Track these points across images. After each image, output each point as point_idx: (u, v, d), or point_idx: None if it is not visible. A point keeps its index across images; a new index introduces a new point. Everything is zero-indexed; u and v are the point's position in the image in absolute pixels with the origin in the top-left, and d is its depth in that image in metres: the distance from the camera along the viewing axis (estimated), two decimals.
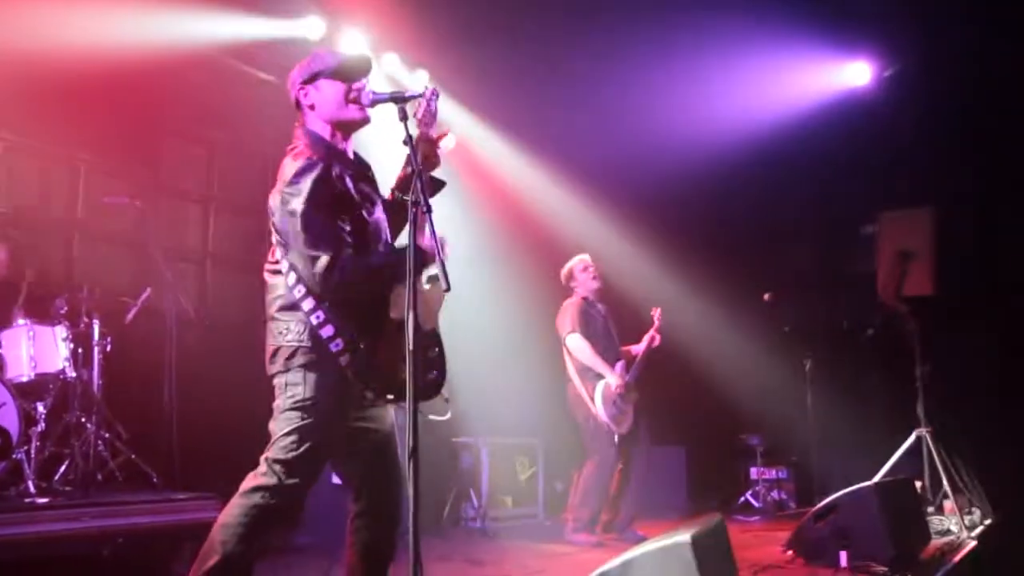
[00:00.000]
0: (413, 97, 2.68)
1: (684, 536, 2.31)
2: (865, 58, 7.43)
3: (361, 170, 2.88)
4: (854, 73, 7.51)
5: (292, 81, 2.84)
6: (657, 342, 5.70)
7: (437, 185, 2.91)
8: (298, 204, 2.59)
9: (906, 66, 7.18)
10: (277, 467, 2.62)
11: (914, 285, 6.01)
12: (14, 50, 5.33)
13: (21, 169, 6.03)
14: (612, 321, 5.77)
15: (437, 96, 2.83)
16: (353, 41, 6.92)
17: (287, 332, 2.69)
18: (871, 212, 6.82)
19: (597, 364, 5.40)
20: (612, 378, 5.37)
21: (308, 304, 2.64)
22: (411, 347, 2.39)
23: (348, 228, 2.67)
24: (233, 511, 2.62)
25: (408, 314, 2.40)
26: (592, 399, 5.38)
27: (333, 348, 2.61)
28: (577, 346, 5.44)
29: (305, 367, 2.65)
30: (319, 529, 5.45)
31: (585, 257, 5.81)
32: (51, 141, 5.94)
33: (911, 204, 6.42)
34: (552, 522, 6.88)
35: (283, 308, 2.71)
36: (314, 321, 2.63)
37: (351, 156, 2.86)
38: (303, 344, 2.66)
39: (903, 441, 5.88)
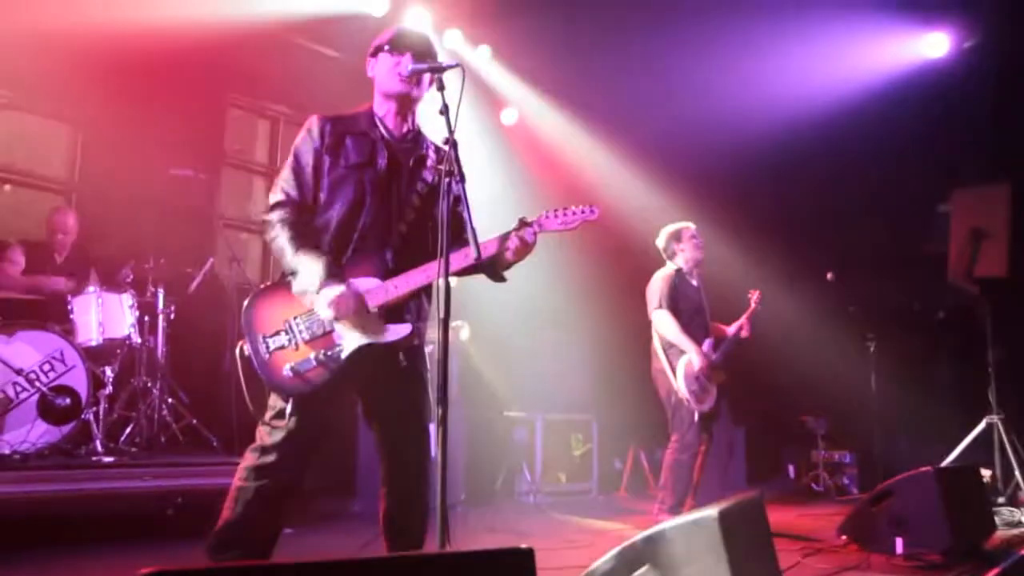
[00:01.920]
0: (450, 67, 2.67)
1: (712, 511, 2.27)
2: (944, 29, 7.07)
3: (403, 146, 2.88)
4: (932, 44, 7.16)
5: (367, 57, 2.96)
6: (746, 332, 5.48)
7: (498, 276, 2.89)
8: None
9: (985, 38, 6.81)
10: (263, 428, 2.73)
11: (987, 265, 5.74)
12: (89, 31, 5.53)
13: (94, 143, 6.28)
14: (706, 296, 5.50)
15: (595, 217, 2.84)
16: (416, 18, 6.94)
17: None
18: (945, 189, 6.52)
19: (682, 340, 5.19)
20: (695, 356, 5.15)
21: None
22: (443, 315, 2.42)
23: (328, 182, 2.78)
24: (237, 473, 2.73)
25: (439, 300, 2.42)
26: (675, 374, 5.24)
27: None
28: (663, 322, 5.24)
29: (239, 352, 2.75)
30: (373, 498, 5.55)
31: (691, 225, 5.48)
32: (123, 117, 6.15)
33: (987, 181, 6.10)
34: (606, 498, 6.88)
35: None
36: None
37: (399, 129, 2.88)
38: None
39: (973, 428, 5.66)
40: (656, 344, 5.35)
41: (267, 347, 2.67)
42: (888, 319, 7.41)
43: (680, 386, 5.15)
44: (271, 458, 2.68)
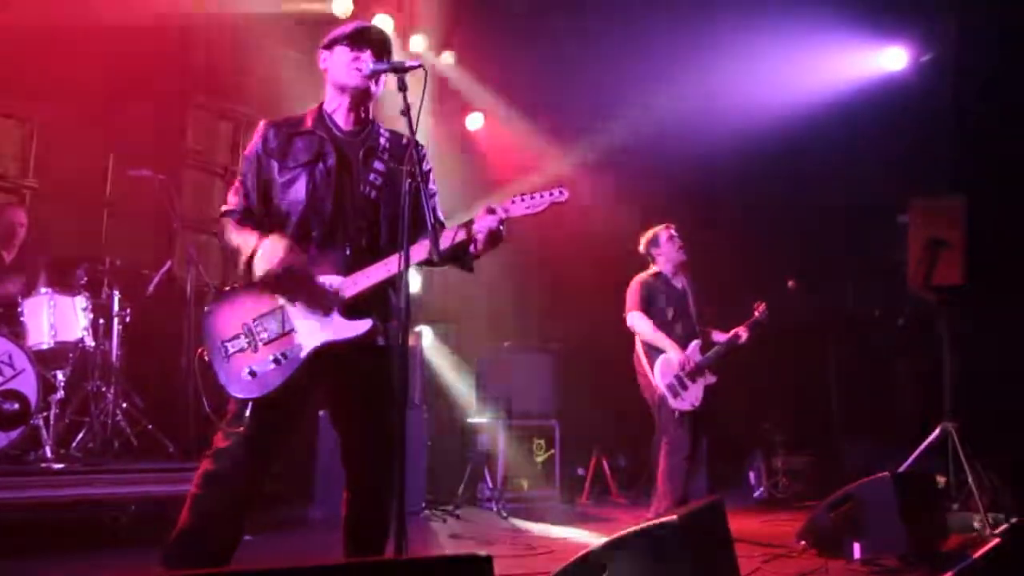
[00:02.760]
0: (412, 67, 2.63)
1: (673, 517, 2.26)
2: (902, 43, 7.22)
3: (352, 140, 2.84)
4: (891, 58, 7.30)
5: (319, 49, 2.91)
6: (744, 339, 5.40)
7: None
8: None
9: (943, 52, 6.96)
10: (220, 433, 2.68)
11: (945, 274, 5.83)
12: (47, 26, 5.41)
13: (53, 144, 6.13)
14: (694, 297, 5.44)
15: (564, 199, 2.73)
16: (379, 22, 6.91)
17: None
18: (905, 199, 6.64)
19: (658, 339, 5.18)
20: (672, 351, 5.14)
21: None
22: (403, 306, 2.40)
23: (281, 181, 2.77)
24: (193, 480, 2.67)
25: (402, 285, 2.40)
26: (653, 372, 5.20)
27: None
28: (636, 323, 5.24)
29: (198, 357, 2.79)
30: (333, 503, 5.48)
31: (669, 227, 5.45)
32: (80, 115, 6.03)
33: (944, 192, 6.23)
34: (568, 506, 6.86)
35: None
36: None
37: (349, 123, 2.85)
38: None
39: (930, 434, 5.74)
40: (638, 348, 5.32)
41: (226, 351, 2.63)
42: (849, 326, 7.52)
43: (658, 379, 5.13)
44: (228, 464, 2.61)
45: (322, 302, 2.65)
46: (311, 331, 2.64)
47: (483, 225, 2.66)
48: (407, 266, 2.43)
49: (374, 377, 2.74)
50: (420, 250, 2.59)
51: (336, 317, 2.65)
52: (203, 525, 2.60)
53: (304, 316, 2.65)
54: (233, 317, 2.67)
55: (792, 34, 6.78)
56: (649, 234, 5.49)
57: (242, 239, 2.69)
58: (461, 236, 2.68)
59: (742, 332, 5.41)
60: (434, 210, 2.79)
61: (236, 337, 2.65)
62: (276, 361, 2.61)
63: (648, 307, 5.29)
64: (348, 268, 2.69)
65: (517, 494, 6.64)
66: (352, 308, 2.67)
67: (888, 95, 7.12)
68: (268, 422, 2.64)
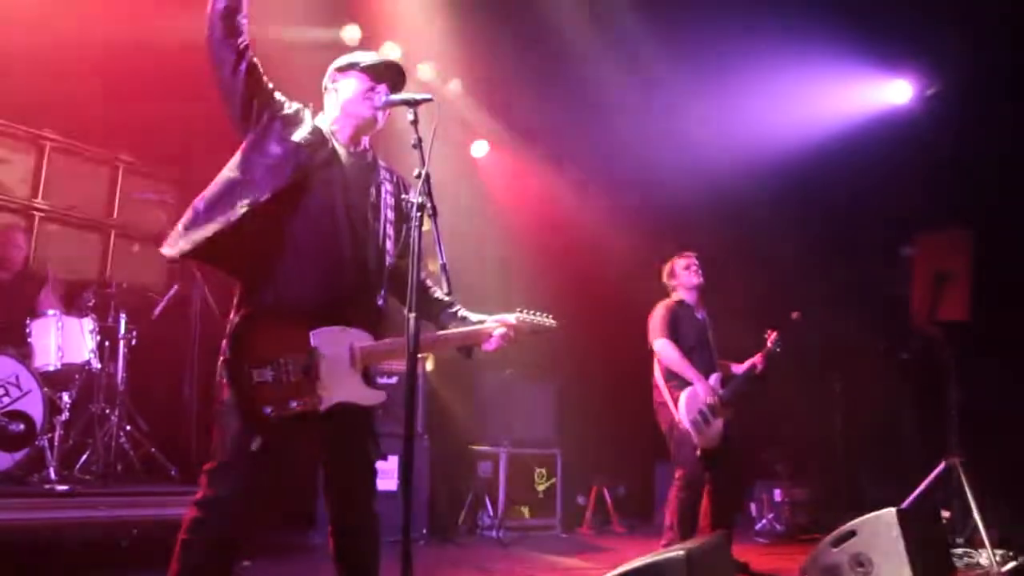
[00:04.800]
0: (424, 100, 2.67)
1: (679, 552, 2.26)
2: (907, 76, 7.27)
3: (357, 161, 2.80)
4: (895, 91, 7.35)
5: (330, 68, 2.90)
6: (759, 369, 5.37)
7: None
8: None
9: (948, 86, 7.00)
10: (207, 477, 2.58)
11: (949, 309, 5.82)
12: (58, 48, 5.48)
13: (62, 168, 6.20)
14: (713, 331, 5.39)
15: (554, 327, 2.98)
16: (388, 51, 6.99)
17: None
18: (909, 232, 6.65)
19: (685, 370, 5.07)
20: (700, 386, 5.03)
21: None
22: (411, 348, 2.41)
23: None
24: (184, 525, 2.58)
25: (409, 314, 2.42)
26: (676, 405, 5.07)
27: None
28: (665, 351, 5.12)
29: (224, 363, 2.60)
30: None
31: (685, 254, 5.45)
32: (91, 140, 6.10)
33: (949, 226, 6.23)
34: (569, 535, 6.82)
35: None
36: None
37: (352, 146, 2.81)
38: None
39: (934, 469, 5.71)
40: (657, 375, 5.21)
41: (251, 378, 2.54)
42: (852, 359, 7.50)
43: (683, 415, 5.00)
44: (219, 510, 2.52)
45: (352, 362, 2.64)
46: (334, 386, 2.59)
47: (498, 339, 2.81)
48: (415, 297, 2.45)
49: (363, 422, 2.74)
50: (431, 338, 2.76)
51: (358, 379, 2.65)
52: (196, 570, 2.53)
53: (331, 369, 2.60)
54: (268, 342, 2.57)
55: (797, 67, 6.82)
56: (667, 266, 5.48)
57: None
58: (475, 340, 2.82)
59: (758, 362, 5.38)
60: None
61: (264, 366, 2.55)
62: (297, 407, 2.55)
63: (675, 335, 5.19)
64: (378, 322, 2.71)
65: (518, 522, 6.61)
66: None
67: (893, 128, 7.15)
68: (266, 467, 2.56)
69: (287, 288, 2.61)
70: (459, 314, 2.88)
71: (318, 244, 2.65)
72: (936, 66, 7.06)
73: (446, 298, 2.88)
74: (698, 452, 4.98)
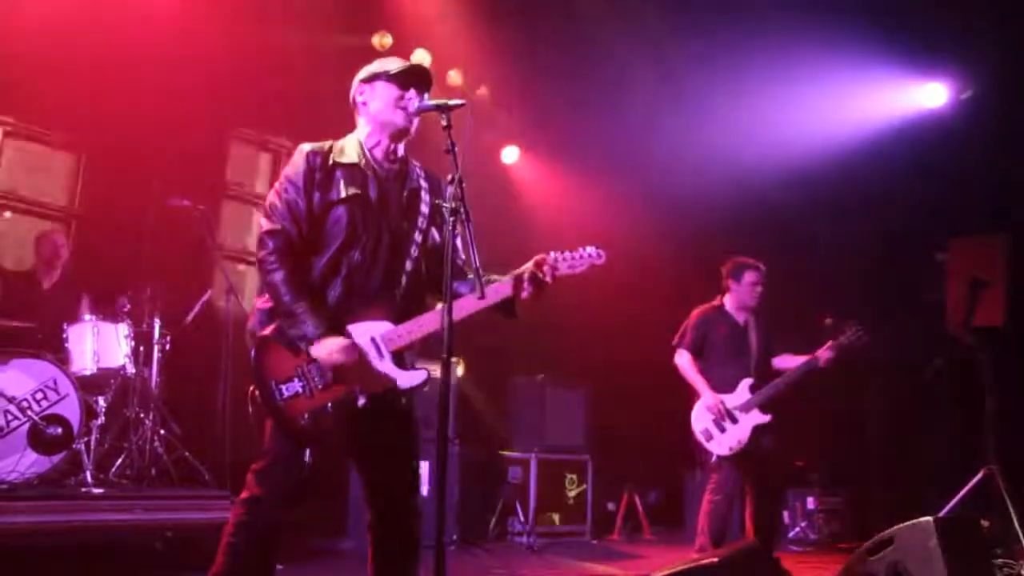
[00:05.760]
0: (457, 105, 2.66)
1: (713, 559, 2.23)
2: (942, 79, 7.17)
3: (391, 176, 2.82)
4: (930, 94, 7.25)
5: (354, 81, 2.89)
6: (824, 361, 5.04)
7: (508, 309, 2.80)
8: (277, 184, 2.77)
9: (983, 89, 6.90)
10: (254, 477, 2.65)
11: (985, 315, 5.73)
12: (94, 59, 5.58)
13: (97, 173, 6.30)
14: (759, 335, 5.21)
15: (602, 262, 2.80)
16: (418, 58, 7.04)
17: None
18: (943, 238, 6.55)
19: (695, 381, 5.08)
20: (707, 396, 5.01)
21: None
22: (447, 354, 2.41)
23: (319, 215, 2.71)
24: (227, 528, 2.65)
25: (446, 318, 2.42)
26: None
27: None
28: (678, 361, 5.17)
29: (252, 395, 2.68)
30: (364, 535, 5.48)
31: (759, 267, 5.22)
32: (126, 146, 6.18)
33: (984, 231, 6.13)
34: (599, 542, 6.79)
35: None
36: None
37: (387, 158, 2.83)
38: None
39: (969, 477, 5.61)
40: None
41: (281, 394, 2.59)
42: (885, 366, 7.40)
43: (693, 423, 5.05)
44: (264, 509, 2.61)
45: (378, 350, 2.65)
46: (365, 378, 2.62)
47: (532, 283, 2.69)
48: (451, 303, 2.45)
49: (402, 413, 2.75)
50: (469, 303, 2.65)
51: (390, 364, 2.65)
52: (241, 571, 2.61)
53: (359, 362, 2.63)
54: (284, 357, 2.62)
55: (831, 72, 6.75)
56: (737, 261, 5.28)
57: (300, 311, 2.59)
58: (508, 291, 2.70)
59: (823, 354, 5.06)
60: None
61: (290, 380, 2.60)
62: (334, 408, 2.59)
63: (703, 342, 5.17)
64: (398, 314, 2.69)
65: (548, 529, 6.59)
66: (398, 353, 2.69)
67: (927, 132, 7.05)
68: (312, 468, 2.64)
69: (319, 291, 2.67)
70: (488, 279, 2.79)
71: (344, 253, 2.70)
72: (971, 69, 6.95)
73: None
74: (714, 458, 4.97)
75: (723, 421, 5.01)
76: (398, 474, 2.74)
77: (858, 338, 5.06)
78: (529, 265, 2.73)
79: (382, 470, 2.76)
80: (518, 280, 2.70)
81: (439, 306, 2.65)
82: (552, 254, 2.74)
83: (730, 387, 5.08)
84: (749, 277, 5.18)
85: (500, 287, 2.70)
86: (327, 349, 2.58)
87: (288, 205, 2.69)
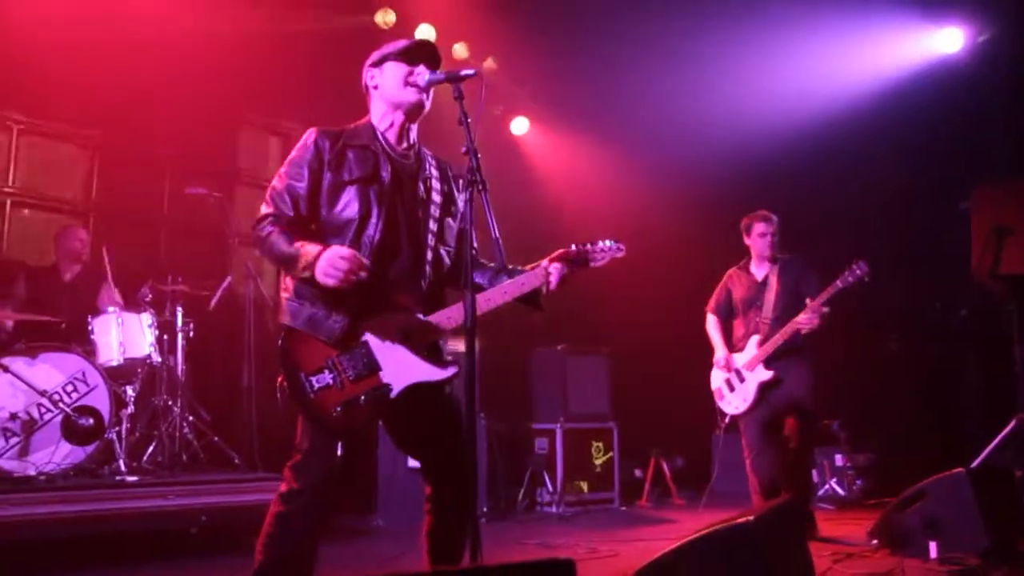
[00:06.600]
0: (467, 76, 2.62)
1: (747, 518, 2.23)
2: (957, 23, 7.01)
3: (405, 161, 2.80)
4: (945, 40, 7.09)
5: (364, 67, 2.87)
6: (809, 321, 4.80)
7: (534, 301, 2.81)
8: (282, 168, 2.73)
9: (1000, 30, 6.74)
10: (292, 472, 2.64)
11: (1011, 262, 5.66)
12: (103, 51, 5.58)
13: (111, 166, 6.32)
14: (782, 287, 5.02)
15: (622, 253, 2.81)
16: (423, 32, 6.99)
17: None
18: (965, 185, 6.45)
19: (713, 341, 5.25)
20: (716, 354, 5.15)
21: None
22: (469, 326, 2.40)
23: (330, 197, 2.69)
24: (268, 520, 2.64)
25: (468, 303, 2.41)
26: None
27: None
28: (707, 325, 5.36)
29: (281, 385, 2.65)
30: (394, 513, 5.54)
31: (764, 217, 5.18)
32: (139, 138, 6.20)
33: (1007, 176, 6.03)
34: (629, 508, 6.81)
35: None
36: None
37: (399, 143, 2.80)
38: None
39: (999, 429, 5.56)
40: None
41: (311, 386, 2.57)
42: (909, 318, 7.33)
43: (711, 383, 5.17)
44: (304, 501, 2.60)
45: (409, 342, 2.64)
46: (398, 371, 2.61)
47: (559, 275, 2.72)
48: (471, 280, 2.43)
49: (447, 400, 2.75)
50: (494, 295, 2.69)
51: (421, 357, 2.64)
52: (284, 562, 2.61)
53: (389, 355, 2.61)
54: (313, 349, 2.60)
55: (842, 20, 6.63)
56: (746, 220, 5.30)
57: (296, 248, 2.56)
58: (537, 283, 2.71)
59: (813, 308, 4.81)
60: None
61: (320, 372, 2.58)
62: (366, 400, 2.57)
63: (728, 302, 5.30)
64: (426, 304, 2.69)
65: (577, 497, 6.62)
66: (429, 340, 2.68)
67: (945, 78, 6.91)
68: (348, 459, 2.63)
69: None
70: (512, 269, 2.82)
71: (362, 233, 2.67)
72: (986, 11, 6.80)
73: (493, 264, 2.88)
74: (727, 419, 5.06)
75: (734, 380, 5.04)
76: (452, 453, 2.71)
77: (858, 277, 4.82)
78: (554, 257, 2.74)
79: (431, 453, 2.76)
80: (543, 272, 2.71)
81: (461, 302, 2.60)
82: (574, 247, 2.76)
83: (743, 345, 5.09)
84: (758, 229, 5.20)
85: (528, 278, 2.72)
86: (334, 253, 2.50)
87: (287, 188, 2.68)
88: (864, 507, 6.48)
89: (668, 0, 6.86)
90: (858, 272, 4.81)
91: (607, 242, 2.78)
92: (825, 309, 4.85)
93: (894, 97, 6.88)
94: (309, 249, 2.55)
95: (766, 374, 4.99)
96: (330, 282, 2.50)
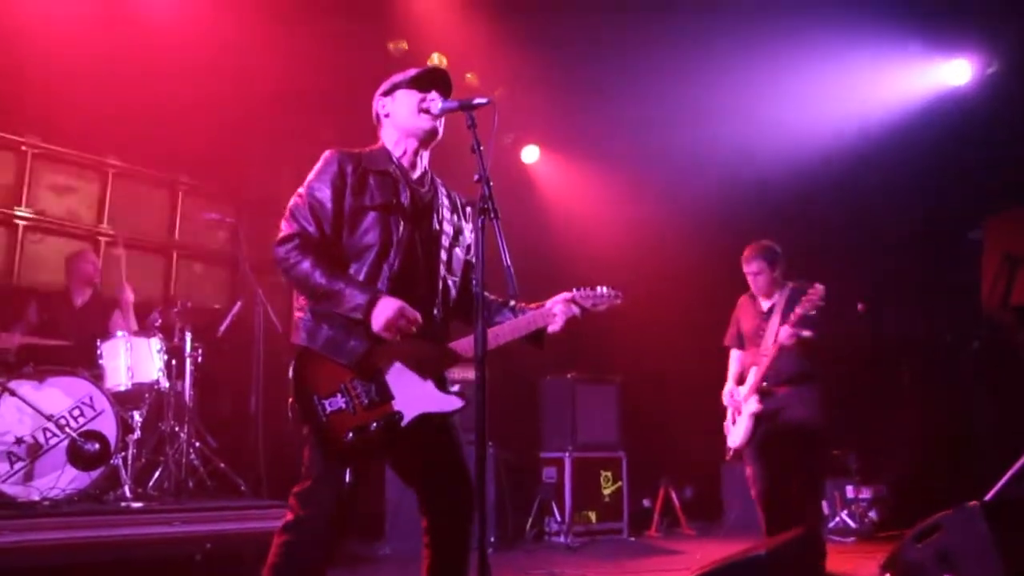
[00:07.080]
0: (480, 105, 2.62)
1: (760, 551, 2.19)
2: (966, 55, 7.04)
3: (421, 188, 2.80)
4: (954, 71, 7.12)
5: (375, 96, 2.88)
6: (785, 337, 4.61)
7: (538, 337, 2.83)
8: (302, 188, 2.70)
9: (1010, 62, 6.76)
10: (298, 500, 2.58)
11: (1022, 293, 5.62)
12: (117, 80, 5.64)
13: (126, 192, 6.37)
14: (784, 317, 4.76)
15: (620, 300, 2.86)
16: (434, 61, 7.05)
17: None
18: (975, 216, 6.44)
19: (730, 373, 5.14)
20: (726, 385, 5.04)
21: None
22: (480, 355, 2.39)
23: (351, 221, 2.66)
24: (273, 550, 2.58)
25: (478, 326, 2.40)
26: None
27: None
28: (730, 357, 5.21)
29: (292, 405, 2.61)
30: (402, 540, 5.49)
31: (749, 259, 4.98)
32: (151, 163, 6.26)
33: (1018, 206, 6.01)
34: (637, 539, 6.74)
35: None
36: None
37: (413, 171, 2.81)
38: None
39: (1012, 461, 5.49)
40: None
41: (324, 409, 2.53)
42: (920, 350, 7.28)
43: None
44: (310, 530, 2.55)
45: (421, 371, 2.63)
46: (409, 400, 2.59)
47: (563, 315, 2.74)
48: (482, 309, 2.42)
49: (451, 432, 2.73)
50: (502, 332, 2.70)
51: (432, 387, 2.63)
52: None
53: (402, 383, 2.60)
54: (328, 371, 2.57)
55: (851, 50, 6.65)
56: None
57: (339, 288, 2.53)
58: (543, 323, 2.75)
59: (783, 330, 4.65)
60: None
61: (333, 395, 2.54)
62: (378, 427, 2.54)
63: (738, 334, 5.14)
64: (438, 334, 2.69)
65: (585, 527, 6.55)
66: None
67: (954, 109, 6.92)
68: (355, 486, 2.58)
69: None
70: (516, 307, 2.83)
71: (383, 259, 2.65)
72: (995, 43, 6.82)
73: (500, 299, 2.88)
74: (730, 452, 4.96)
75: (736, 413, 4.98)
76: (453, 483, 2.69)
77: (814, 302, 4.60)
78: (559, 300, 2.77)
79: (433, 483, 2.72)
80: (549, 314, 2.75)
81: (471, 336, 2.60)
82: (575, 292, 2.79)
83: (748, 376, 5.03)
84: (745, 269, 5.02)
85: (536, 317, 2.75)
86: (391, 307, 2.49)
87: (311, 207, 2.63)
88: (876, 540, 6.40)
89: (678, 29, 6.91)
90: (813, 297, 4.63)
91: (605, 289, 2.81)
92: (806, 333, 4.69)
93: (904, 128, 6.89)
94: (355, 294, 2.52)
95: (756, 406, 4.87)
96: (386, 335, 2.53)
